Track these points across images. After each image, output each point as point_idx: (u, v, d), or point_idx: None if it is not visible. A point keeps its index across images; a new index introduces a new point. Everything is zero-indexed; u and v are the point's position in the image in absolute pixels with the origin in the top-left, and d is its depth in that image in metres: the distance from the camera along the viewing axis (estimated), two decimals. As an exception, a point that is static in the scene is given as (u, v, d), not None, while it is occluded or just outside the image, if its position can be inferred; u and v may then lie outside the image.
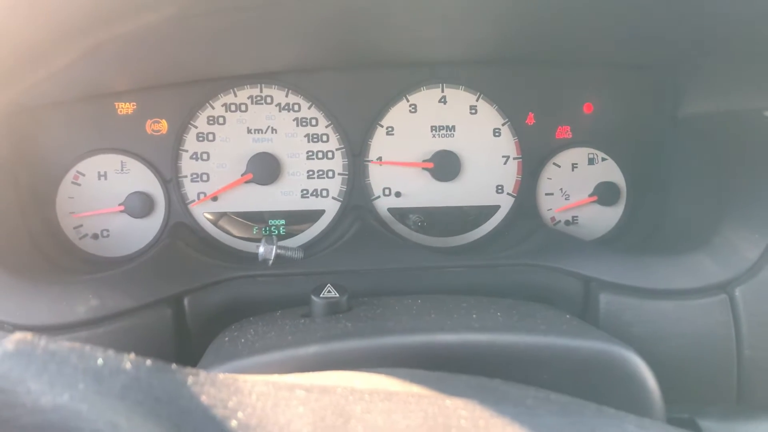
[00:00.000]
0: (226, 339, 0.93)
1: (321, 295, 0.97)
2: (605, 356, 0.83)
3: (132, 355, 0.50)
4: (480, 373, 0.74)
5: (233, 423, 0.48)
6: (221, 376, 0.54)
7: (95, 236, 1.37)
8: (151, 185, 1.38)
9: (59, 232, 1.35)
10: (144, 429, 0.43)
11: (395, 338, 0.81)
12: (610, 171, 1.50)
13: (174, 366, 0.52)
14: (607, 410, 0.66)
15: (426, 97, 1.46)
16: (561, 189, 1.50)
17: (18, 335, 0.45)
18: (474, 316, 0.90)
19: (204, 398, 0.50)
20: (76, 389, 0.43)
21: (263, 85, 1.42)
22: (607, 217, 1.51)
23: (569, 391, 0.72)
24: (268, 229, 1.42)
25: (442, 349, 0.81)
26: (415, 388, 0.62)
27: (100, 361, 0.47)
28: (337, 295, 0.98)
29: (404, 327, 0.85)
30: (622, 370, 0.83)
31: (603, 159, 1.50)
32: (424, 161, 1.45)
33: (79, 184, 1.36)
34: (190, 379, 0.51)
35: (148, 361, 0.50)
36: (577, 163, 1.50)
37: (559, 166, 1.49)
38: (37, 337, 0.46)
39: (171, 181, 1.39)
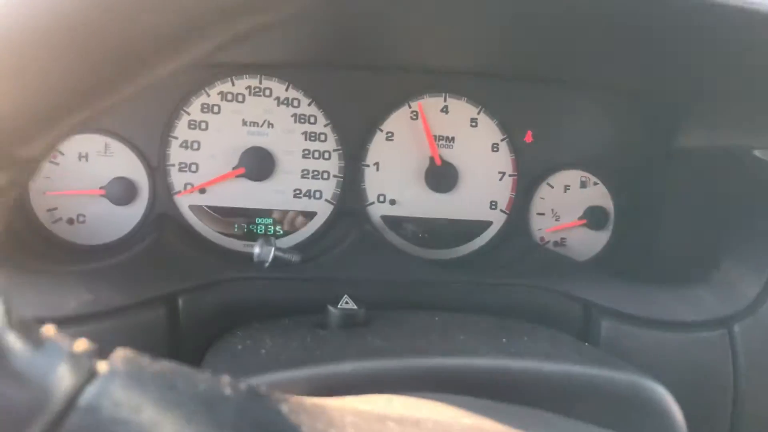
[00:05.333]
0: (239, 347, 0.87)
1: (339, 306, 0.93)
2: (639, 390, 0.82)
3: (228, 379, 0.44)
4: (514, 401, 0.72)
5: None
6: (308, 401, 0.49)
7: (70, 221, 1.27)
8: (136, 171, 1.29)
9: (31, 214, 1.24)
10: None
11: (435, 360, 0.77)
12: (600, 195, 1.51)
13: (264, 389, 0.47)
14: None
15: (428, 105, 1.42)
16: (552, 210, 1.49)
17: (119, 352, 0.40)
18: (504, 340, 0.88)
19: (304, 429, 0.45)
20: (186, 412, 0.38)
21: (263, 77, 1.35)
22: (594, 241, 1.52)
23: (601, 423, 0.70)
24: (256, 227, 1.36)
25: (480, 375, 0.78)
26: (487, 423, 0.59)
27: (202, 386, 0.42)
28: (356, 307, 0.94)
29: (441, 348, 0.81)
30: (652, 404, 0.82)
31: (595, 183, 1.50)
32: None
33: (57, 164, 1.25)
34: (285, 407, 0.46)
35: (243, 385, 0.45)
36: (569, 185, 1.50)
37: (552, 187, 1.49)
38: (139, 355, 0.40)
39: (158, 168, 1.30)
